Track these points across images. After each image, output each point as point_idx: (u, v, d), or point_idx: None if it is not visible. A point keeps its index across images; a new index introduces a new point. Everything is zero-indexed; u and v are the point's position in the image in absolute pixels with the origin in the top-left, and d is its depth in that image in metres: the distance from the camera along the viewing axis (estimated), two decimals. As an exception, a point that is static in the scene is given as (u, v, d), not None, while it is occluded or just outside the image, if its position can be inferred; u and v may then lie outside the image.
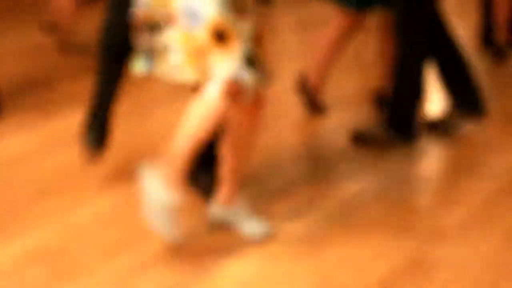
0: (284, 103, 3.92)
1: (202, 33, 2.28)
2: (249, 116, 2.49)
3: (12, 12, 6.00)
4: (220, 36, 2.27)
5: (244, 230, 2.63)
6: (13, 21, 5.68)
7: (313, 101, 3.69)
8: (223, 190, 2.64)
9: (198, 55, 2.31)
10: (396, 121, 3.32)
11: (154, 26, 2.39)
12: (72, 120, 3.34)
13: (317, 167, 3.24)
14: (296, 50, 5.14)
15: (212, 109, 2.33)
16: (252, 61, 2.32)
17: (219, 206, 2.67)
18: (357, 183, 3.06)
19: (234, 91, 2.29)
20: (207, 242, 2.61)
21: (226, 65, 2.28)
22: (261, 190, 2.99)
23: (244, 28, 2.32)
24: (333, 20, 3.56)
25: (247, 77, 2.29)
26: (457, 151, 3.40)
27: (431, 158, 3.34)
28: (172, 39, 2.34)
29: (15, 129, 3.61)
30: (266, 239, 2.60)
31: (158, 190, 2.43)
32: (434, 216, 2.80)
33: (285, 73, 4.47)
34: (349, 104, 4.01)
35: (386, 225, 2.73)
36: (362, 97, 4.01)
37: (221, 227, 2.67)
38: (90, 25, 3.99)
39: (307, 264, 2.49)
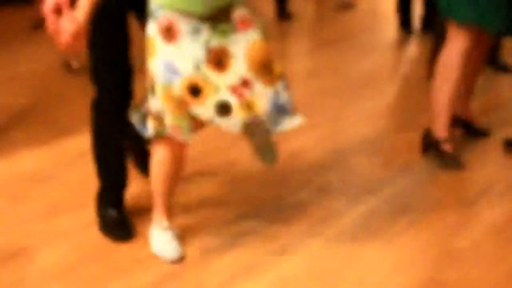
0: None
1: (179, 87, 2.39)
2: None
3: (24, 34, 6.06)
4: (195, 91, 2.38)
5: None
6: (25, 42, 5.74)
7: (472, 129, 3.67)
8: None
9: (180, 105, 2.41)
10: None
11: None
12: (83, 139, 3.34)
13: (335, 182, 3.23)
14: (313, 68, 5.16)
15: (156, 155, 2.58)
16: (226, 107, 2.43)
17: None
18: (374, 200, 3.05)
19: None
20: (221, 264, 2.59)
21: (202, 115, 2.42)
22: (279, 205, 2.98)
23: (220, 79, 2.39)
24: (452, 41, 3.24)
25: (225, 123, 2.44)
26: (470, 171, 3.38)
27: (446, 177, 3.31)
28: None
29: (27, 147, 3.62)
30: (282, 258, 2.59)
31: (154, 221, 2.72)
32: (451, 236, 2.78)
33: (301, 90, 4.49)
34: (371, 119, 4.02)
35: (402, 244, 2.71)
36: (384, 111, 4.02)
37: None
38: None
39: (322, 282, 2.47)
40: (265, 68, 2.44)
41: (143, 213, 2.90)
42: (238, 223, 2.85)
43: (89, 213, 2.90)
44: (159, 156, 2.56)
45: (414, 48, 5.48)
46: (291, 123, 2.54)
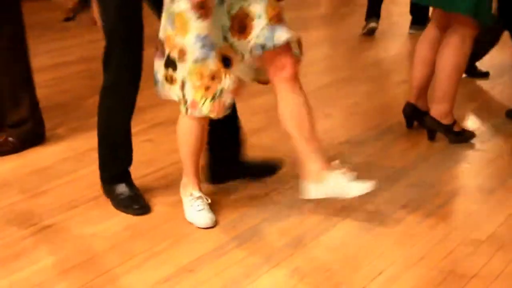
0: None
1: (213, 61, 2.49)
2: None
3: (56, 26, 6.10)
4: (226, 62, 2.53)
5: (351, 193, 2.64)
6: (56, 34, 5.78)
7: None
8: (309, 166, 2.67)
9: (211, 82, 2.52)
10: None
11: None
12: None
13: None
14: (328, 58, 5.15)
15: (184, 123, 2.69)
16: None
17: (312, 183, 2.68)
18: (390, 191, 3.02)
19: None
20: (236, 257, 2.57)
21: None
22: (293, 197, 2.96)
23: (244, 45, 2.54)
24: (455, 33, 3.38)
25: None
26: (489, 161, 3.34)
27: (464, 167, 3.28)
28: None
29: (45, 142, 3.63)
30: (298, 250, 2.57)
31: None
32: (470, 227, 2.74)
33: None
34: (386, 109, 4.00)
35: (420, 235, 2.68)
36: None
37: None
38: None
39: (338, 274, 2.44)
40: (279, 18, 2.55)
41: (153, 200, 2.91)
42: (253, 215, 2.84)
43: (103, 207, 2.90)
44: (186, 125, 2.68)
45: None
46: (286, 35, 2.55)
